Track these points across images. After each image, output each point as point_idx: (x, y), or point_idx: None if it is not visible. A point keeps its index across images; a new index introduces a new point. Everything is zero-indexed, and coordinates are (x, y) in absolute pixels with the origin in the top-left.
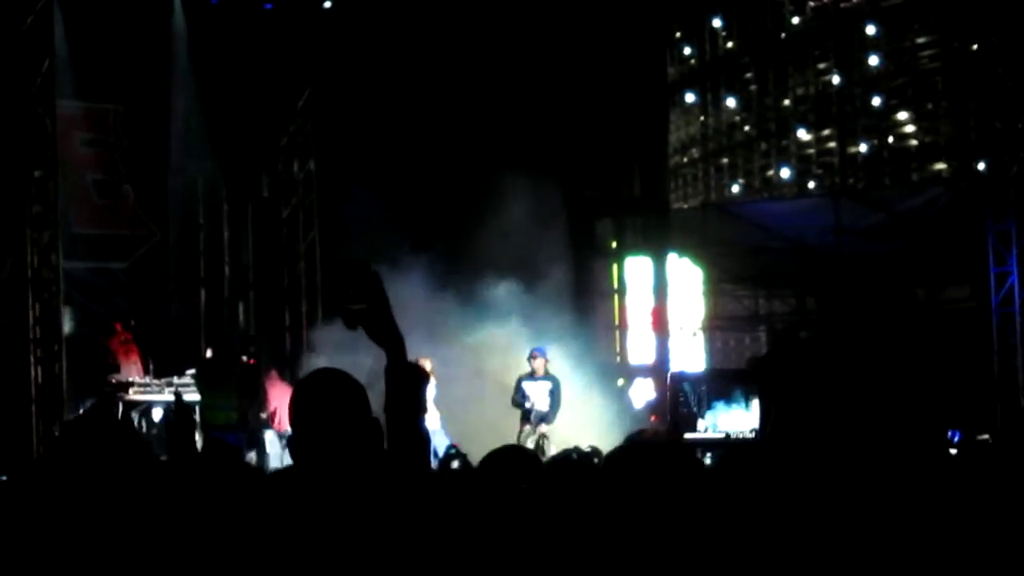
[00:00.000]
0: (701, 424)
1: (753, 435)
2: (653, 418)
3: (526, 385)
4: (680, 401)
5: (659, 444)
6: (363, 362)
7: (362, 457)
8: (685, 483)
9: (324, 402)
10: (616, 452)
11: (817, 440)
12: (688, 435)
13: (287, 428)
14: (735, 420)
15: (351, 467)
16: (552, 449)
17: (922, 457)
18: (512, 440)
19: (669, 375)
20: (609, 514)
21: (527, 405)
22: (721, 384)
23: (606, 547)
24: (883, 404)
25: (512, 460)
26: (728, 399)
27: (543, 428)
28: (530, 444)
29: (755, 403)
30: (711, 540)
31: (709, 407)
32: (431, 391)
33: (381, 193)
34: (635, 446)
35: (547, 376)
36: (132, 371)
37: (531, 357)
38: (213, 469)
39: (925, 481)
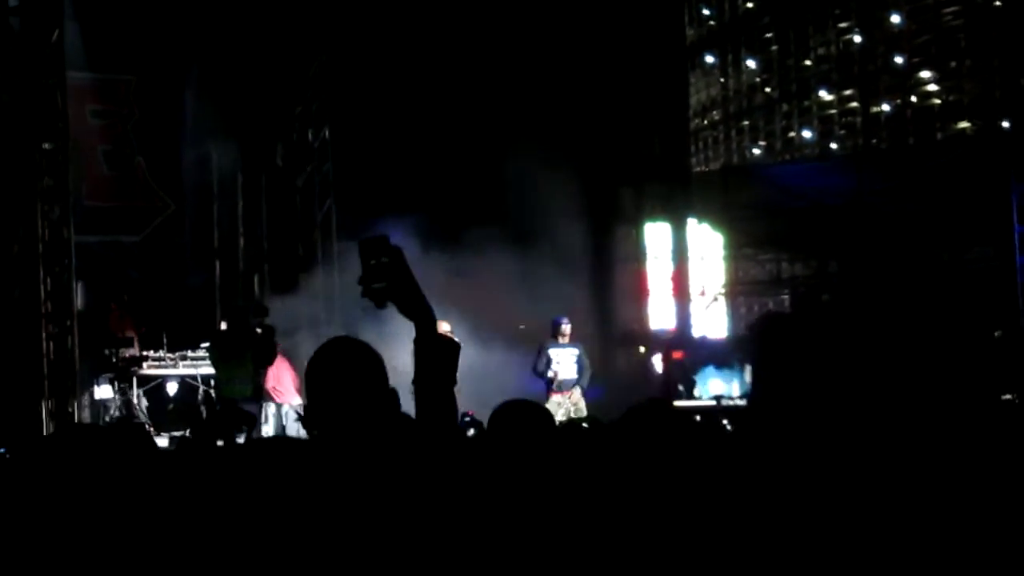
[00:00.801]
0: (697, 391)
1: (744, 401)
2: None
3: (553, 352)
4: (675, 368)
5: (655, 410)
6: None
7: (377, 427)
8: (682, 447)
9: (340, 371)
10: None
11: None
12: (680, 402)
13: (289, 400)
14: (725, 386)
15: (365, 436)
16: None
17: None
18: None
19: (665, 344)
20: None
21: (550, 373)
22: (713, 351)
23: (603, 509)
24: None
25: (522, 416)
26: (720, 365)
27: (576, 396)
28: (560, 415)
29: (746, 368)
30: (704, 502)
31: (701, 373)
32: None
33: (396, 164)
34: (631, 413)
35: (574, 343)
36: (128, 346)
37: (560, 324)
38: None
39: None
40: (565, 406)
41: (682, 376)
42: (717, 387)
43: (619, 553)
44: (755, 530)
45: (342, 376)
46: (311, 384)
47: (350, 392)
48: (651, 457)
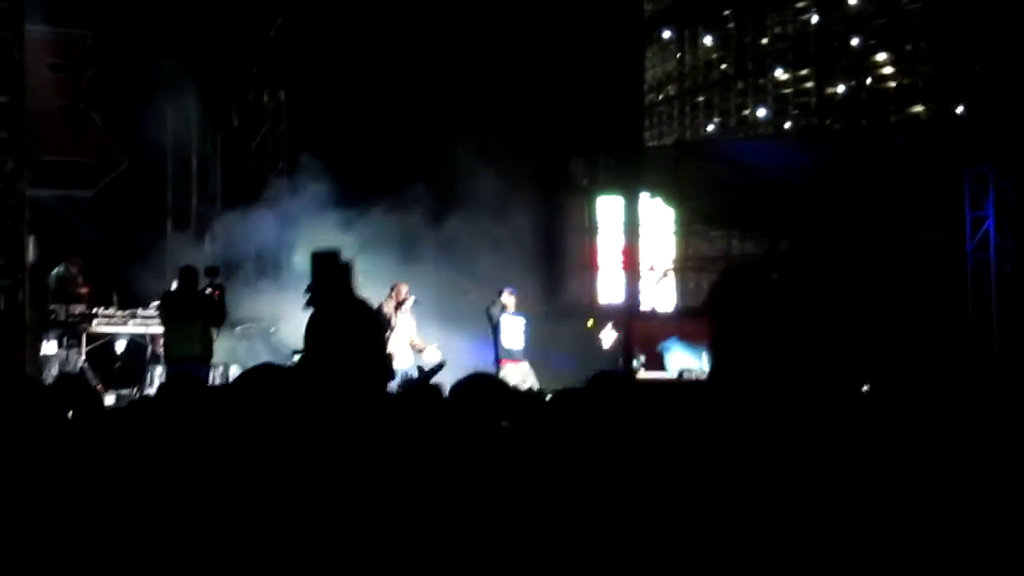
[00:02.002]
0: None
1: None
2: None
3: (503, 319)
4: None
5: (616, 382)
6: None
7: (369, 384)
8: (640, 419)
9: (340, 327)
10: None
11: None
12: (644, 375)
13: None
14: (693, 360)
15: (359, 390)
16: (535, 385)
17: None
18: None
19: (627, 315)
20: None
21: (505, 344)
22: (675, 324)
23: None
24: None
25: (484, 391)
26: (682, 339)
27: (525, 365)
28: (512, 381)
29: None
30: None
31: (666, 347)
32: (410, 319)
33: (351, 127)
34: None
35: (519, 312)
36: (79, 303)
37: (504, 293)
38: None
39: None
40: (516, 375)
41: (642, 349)
42: (682, 361)
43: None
44: (717, 500)
45: (342, 331)
46: (311, 336)
47: (349, 347)
48: (611, 428)
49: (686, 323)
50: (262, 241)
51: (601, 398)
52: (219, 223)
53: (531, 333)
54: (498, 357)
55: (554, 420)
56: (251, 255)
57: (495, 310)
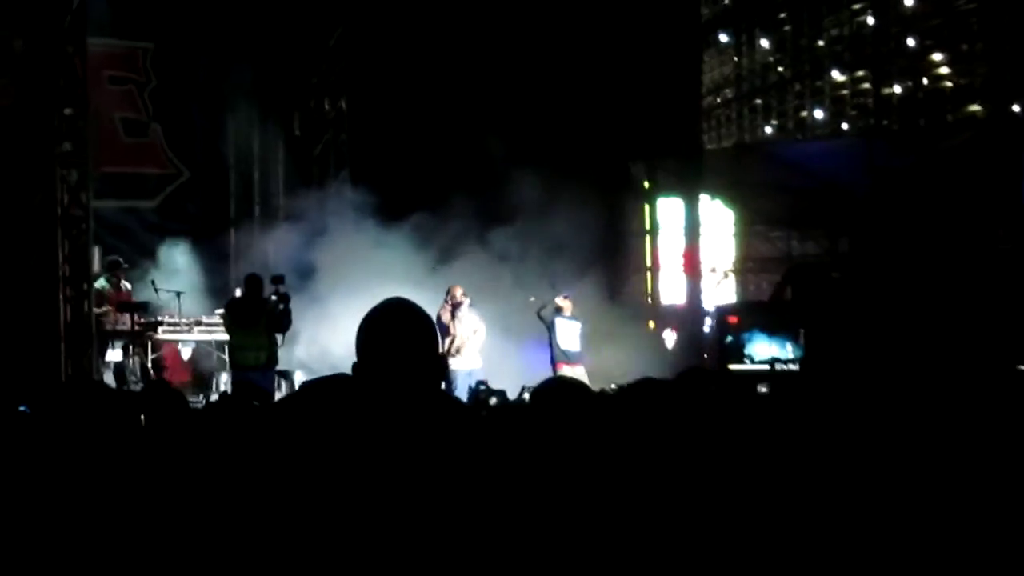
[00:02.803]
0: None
1: (794, 365)
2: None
3: (559, 321)
4: (724, 334)
5: (710, 374)
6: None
7: (428, 389)
8: (738, 411)
9: (394, 332)
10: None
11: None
12: (735, 366)
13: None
14: (774, 350)
15: (417, 398)
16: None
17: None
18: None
19: (714, 309)
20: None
21: (560, 346)
22: (758, 316)
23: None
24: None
25: (566, 395)
26: (766, 330)
27: (579, 370)
28: None
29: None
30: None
31: (749, 339)
32: (473, 326)
33: (412, 135)
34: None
35: (575, 317)
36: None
37: (563, 298)
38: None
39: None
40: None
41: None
42: (767, 351)
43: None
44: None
45: (398, 337)
46: (365, 342)
47: (402, 354)
48: (701, 421)
49: (761, 316)
50: (318, 253)
51: (693, 392)
52: (282, 232)
53: (591, 335)
54: (554, 360)
55: (645, 413)
56: (309, 266)
57: (547, 312)
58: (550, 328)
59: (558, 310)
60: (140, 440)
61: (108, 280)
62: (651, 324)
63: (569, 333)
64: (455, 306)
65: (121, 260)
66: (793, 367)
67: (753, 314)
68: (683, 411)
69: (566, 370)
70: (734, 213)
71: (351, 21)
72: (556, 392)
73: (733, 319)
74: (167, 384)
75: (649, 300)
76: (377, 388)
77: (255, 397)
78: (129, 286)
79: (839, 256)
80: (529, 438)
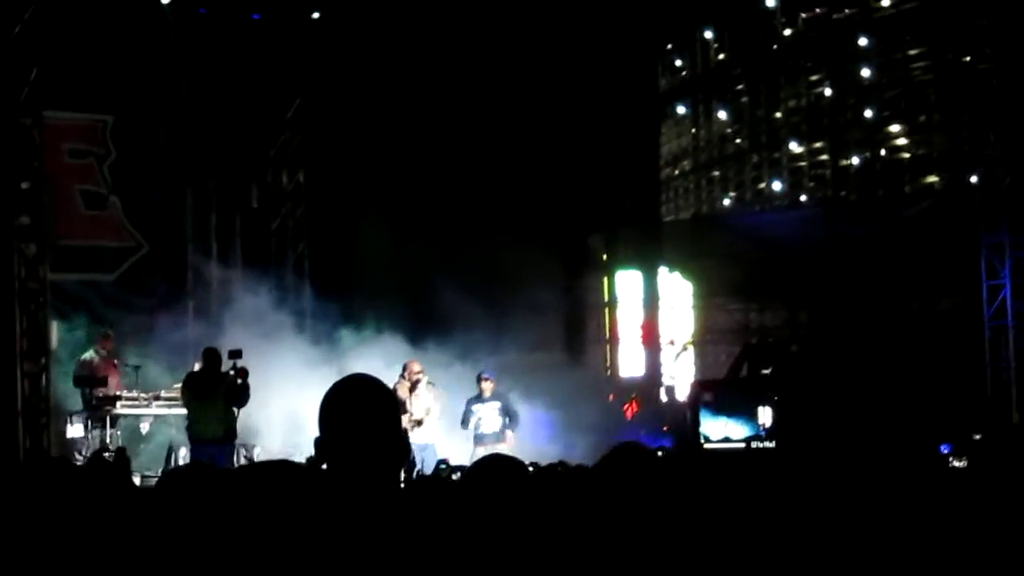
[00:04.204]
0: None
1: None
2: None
3: (476, 407)
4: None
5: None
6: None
7: (390, 465)
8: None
9: (358, 408)
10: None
11: (813, 445)
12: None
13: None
14: (727, 428)
15: (379, 473)
16: None
17: (913, 463)
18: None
19: (693, 383)
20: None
21: (476, 430)
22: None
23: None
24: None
25: (500, 469)
26: (721, 409)
27: (501, 447)
28: None
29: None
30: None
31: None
32: (433, 404)
33: (370, 206)
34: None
35: (494, 396)
36: (112, 385)
37: (480, 379)
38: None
39: (915, 485)
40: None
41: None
42: (719, 430)
43: None
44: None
45: (362, 413)
46: (328, 417)
47: (368, 429)
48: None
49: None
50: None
51: (617, 473)
52: (239, 306)
53: (513, 408)
54: (475, 442)
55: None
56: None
57: (465, 412)
58: (464, 422)
59: (477, 395)
60: (85, 516)
61: (96, 352)
62: (611, 396)
63: (487, 416)
64: (413, 383)
65: (110, 331)
66: (769, 444)
67: (709, 391)
68: (605, 492)
69: (479, 450)
70: (693, 285)
71: (308, 94)
72: (486, 472)
73: (709, 394)
74: (105, 460)
75: (608, 372)
76: (343, 471)
77: (200, 479)
78: (113, 357)
79: (798, 327)
80: (459, 517)
